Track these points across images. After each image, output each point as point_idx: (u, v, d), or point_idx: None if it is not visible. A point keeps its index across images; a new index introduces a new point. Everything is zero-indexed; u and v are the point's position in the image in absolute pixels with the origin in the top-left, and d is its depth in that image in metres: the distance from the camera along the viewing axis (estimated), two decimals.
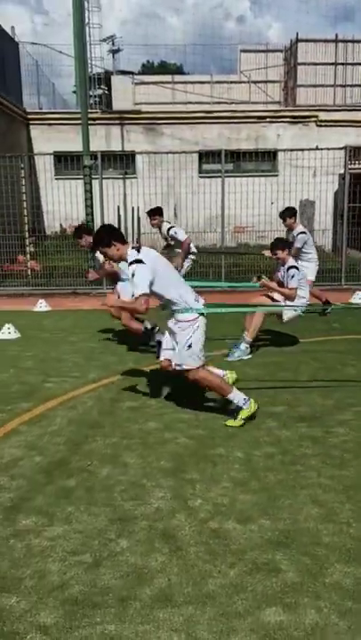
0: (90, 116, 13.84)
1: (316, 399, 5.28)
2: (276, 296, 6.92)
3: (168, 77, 23.14)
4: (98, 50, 22.56)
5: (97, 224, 12.58)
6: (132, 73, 23.42)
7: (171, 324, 4.76)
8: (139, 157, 17.71)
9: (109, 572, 2.81)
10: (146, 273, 4.36)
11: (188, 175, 14.55)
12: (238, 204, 12.90)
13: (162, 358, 4.97)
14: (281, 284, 6.94)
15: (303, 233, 8.73)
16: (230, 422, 4.66)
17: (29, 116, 18.98)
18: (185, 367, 4.67)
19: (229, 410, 4.85)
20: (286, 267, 6.82)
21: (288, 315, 6.88)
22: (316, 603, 2.57)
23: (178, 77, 23.71)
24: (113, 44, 24.13)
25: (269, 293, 7.00)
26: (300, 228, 8.82)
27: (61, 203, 13.01)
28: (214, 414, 4.90)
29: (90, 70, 19.64)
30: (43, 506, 3.43)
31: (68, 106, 23.84)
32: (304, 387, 5.65)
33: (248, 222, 14.55)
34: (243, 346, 6.67)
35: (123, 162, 16.97)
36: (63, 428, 4.67)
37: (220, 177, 12.48)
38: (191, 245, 9.18)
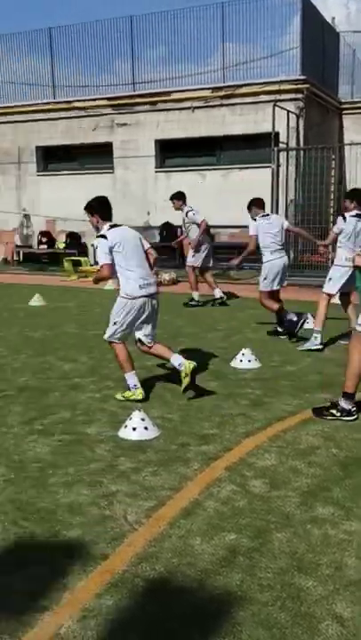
0: None
1: None
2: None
3: None
4: None
5: None
6: None
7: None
8: None
9: None
10: (104, 247, 5.12)
11: None
12: None
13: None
14: None
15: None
16: (118, 395, 5.25)
17: (343, 106, 18.80)
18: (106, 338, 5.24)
19: None
20: None
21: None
22: None
23: None
24: None
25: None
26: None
27: None
28: None
29: None
30: (340, 498, 3.44)
31: None
32: None
33: None
34: (313, 336, 6.76)
35: None
36: None
37: None
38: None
